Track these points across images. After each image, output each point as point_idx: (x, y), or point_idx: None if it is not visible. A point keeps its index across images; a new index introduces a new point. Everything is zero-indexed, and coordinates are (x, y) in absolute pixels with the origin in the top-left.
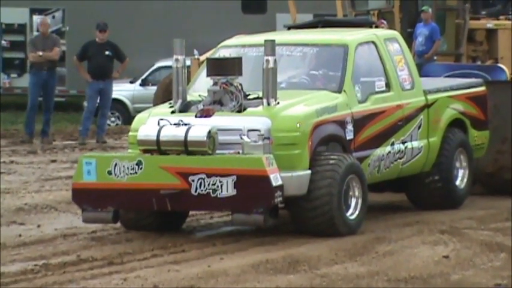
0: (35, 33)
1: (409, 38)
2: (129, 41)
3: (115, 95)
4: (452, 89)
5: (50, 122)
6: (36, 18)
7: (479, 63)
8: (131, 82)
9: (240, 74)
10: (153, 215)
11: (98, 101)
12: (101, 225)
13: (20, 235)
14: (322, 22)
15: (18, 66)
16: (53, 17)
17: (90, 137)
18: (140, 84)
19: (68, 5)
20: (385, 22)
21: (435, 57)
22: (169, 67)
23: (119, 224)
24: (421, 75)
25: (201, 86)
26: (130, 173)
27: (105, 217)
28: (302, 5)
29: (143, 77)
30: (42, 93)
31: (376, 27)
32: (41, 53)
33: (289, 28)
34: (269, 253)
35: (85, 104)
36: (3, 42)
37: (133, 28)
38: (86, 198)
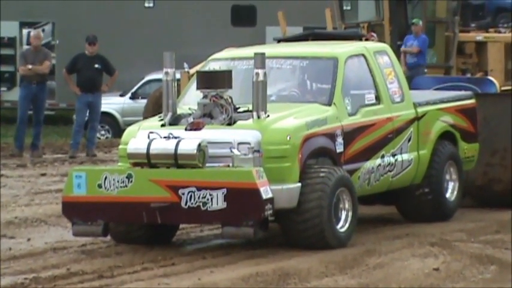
0: (25, 46)
1: (398, 51)
2: (119, 54)
3: (105, 108)
4: (442, 101)
5: (40, 135)
6: (26, 32)
7: (469, 75)
8: (121, 95)
9: (230, 87)
10: (143, 228)
11: (88, 114)
12: (91, 238)
13: (10, 249)
14: (312, 35)
15: (8, 79)
16: (43, 30)
17: (80, 150)
18: (130, 98)
19: (58, 19)
20: (375, 35)
21: (425, 70)
22: (159, 80)
23: (109, 238)
24: (411, 88)
25: (191, 99)
26: (121, 186)
27: (95, 230)
28: (292, 17)
29: (133, 90)
30: (32, 107)
31: (366, 40)
32: (30, 67)
33: (279, 41)
34: (259, 266)
35: (74, 117)
36: None
37: (123, 41)
38: (76, 211)
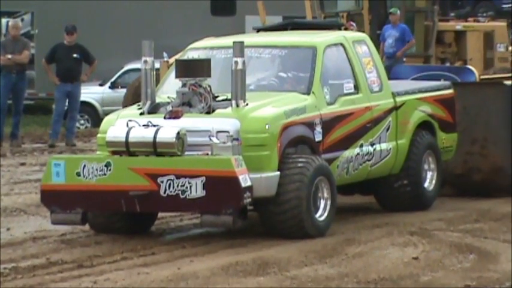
0: (3, 36)
1: (377, 40)
2: (98, 44)
3: (84, 97)
4: (420, 91)
5: (19, 124)
6: (5, 21)
7: (448, 64)
8: (100, 85)
9: (209, 75)
10: (122, 218)
11: (67, 103)
12: (71, 228)
13: None
14: (291, 24)
15: None
16: (22, 19)
17: (60, 140)
18: (109, 87)
19: (37, 8)
20: (354, 24)
21: (404, 59)
22: (139, 69)
23: (88, 227)
24: (390, 77)
25: (170, 87)
26: (99, 175)
27: (74, 219)
28: (271, 7)
29: (112, 79)
30: (11, 96)
31: (346, 29)
32: (9, 56)
33: (258, 30)
34: (239, 255)
35: (54, 107)
36: None
37: (103, 30)
38: (55, 199)
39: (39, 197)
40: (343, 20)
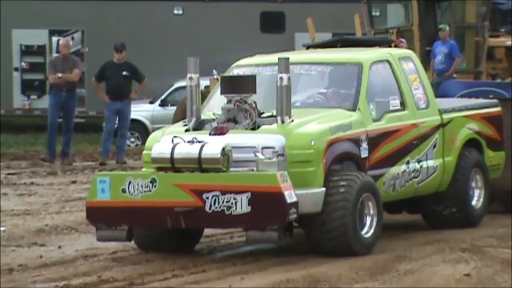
0: (54, 54)
1: (427, 56)
2: (148, 62)
3: (134, 115)
4: (467, 108)
5: (69, 143)
6: (56, 40)
7: (498, 80)
8: (151, 102)
9: (254, 91)
10: (167, 235)
11: (117, 121)
12: (122, 245)
13: (41, 256)
14: (341, 41)
15: (38, 87)
16: (72, 38)
17: (111, 157)
18: (159, 105)
19: (87, 26)
20: (404, 40)
21: (455, 75)
22: None
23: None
24: (438, 93)
25: (216, 104)
26: (145, 191)
27: (119, 235)
28: (321, 24)
29: (162, 97)
30: (62, 114)
31: (395, 45)
32: (60, 75)
33: (308, 47)
34: (289, 272)
35: (104, 125)
36: (22, 64)
37: (153, 48)
38: (100, 216)
39: None
40: (393, 37)
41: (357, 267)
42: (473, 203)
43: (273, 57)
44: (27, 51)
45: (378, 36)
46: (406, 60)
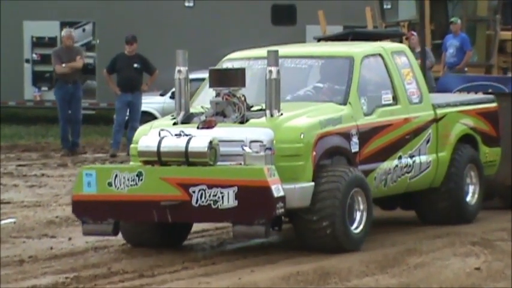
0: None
1: (438, 49)
2: (159, 54)
3: (145, 107)
4: (462, 104)
5: (78, 133)
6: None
7: (510, 74)
8: (161, 95)
9: (243, 85)
10: (154, 229)
11: (128, 113)
12: None
13: (51, 248)
14: (352, 34)
15: (49, 79)
16: (83, 30)
17: (121, 149)
18: (170, 97)
19: (98, 18)
20: (415, 33)
21: (466, 69)
22: (200, 79)
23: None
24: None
25: (205, 98)
26: (131, 185)
27: (105, 229)
28: (332, 16)
29: (173, 89)
30: (69, 106)
31: (407, 38)
32: (63, 65)
33: (319, 40)
34: (300, 265)
35: (115, 117)
36: (33, 55)
37: (164, 40)
38: (86, 210)
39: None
40: (404, 30)
41: (367, 260)
42: (468, 199)
43: (264, 51)
44: (38, 43)
45: (389, 29)
46: (399, 55)
